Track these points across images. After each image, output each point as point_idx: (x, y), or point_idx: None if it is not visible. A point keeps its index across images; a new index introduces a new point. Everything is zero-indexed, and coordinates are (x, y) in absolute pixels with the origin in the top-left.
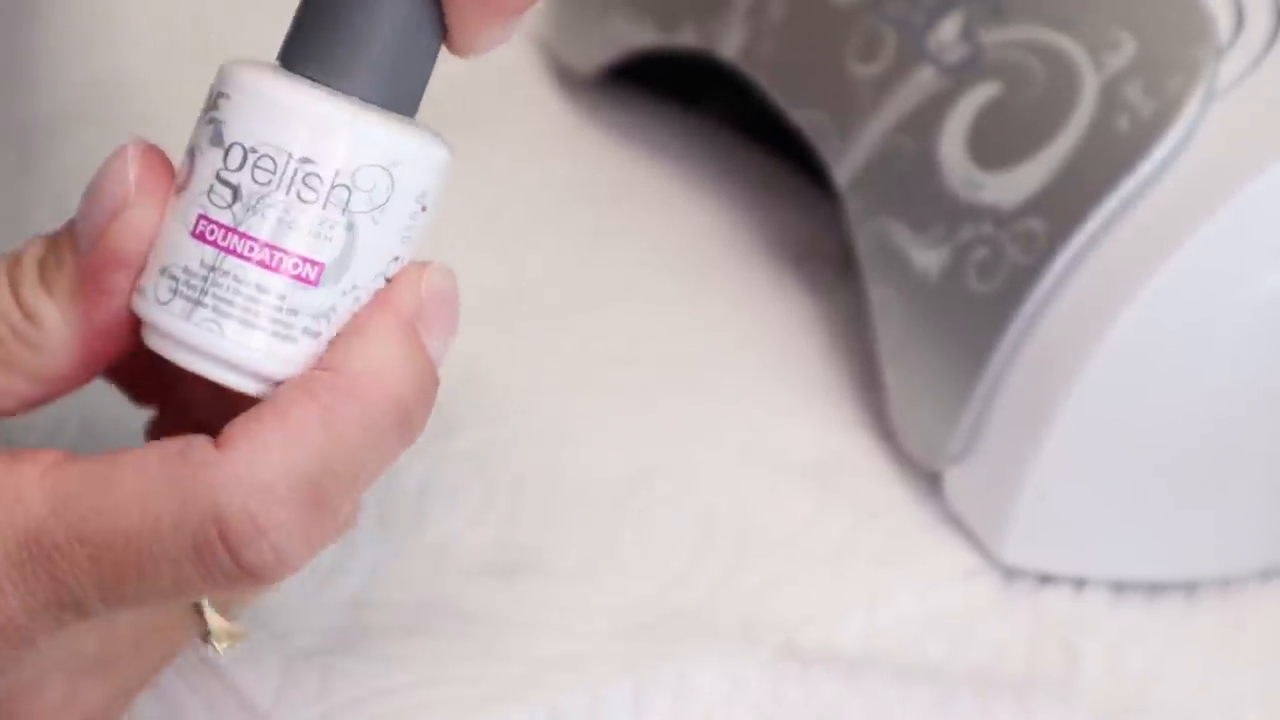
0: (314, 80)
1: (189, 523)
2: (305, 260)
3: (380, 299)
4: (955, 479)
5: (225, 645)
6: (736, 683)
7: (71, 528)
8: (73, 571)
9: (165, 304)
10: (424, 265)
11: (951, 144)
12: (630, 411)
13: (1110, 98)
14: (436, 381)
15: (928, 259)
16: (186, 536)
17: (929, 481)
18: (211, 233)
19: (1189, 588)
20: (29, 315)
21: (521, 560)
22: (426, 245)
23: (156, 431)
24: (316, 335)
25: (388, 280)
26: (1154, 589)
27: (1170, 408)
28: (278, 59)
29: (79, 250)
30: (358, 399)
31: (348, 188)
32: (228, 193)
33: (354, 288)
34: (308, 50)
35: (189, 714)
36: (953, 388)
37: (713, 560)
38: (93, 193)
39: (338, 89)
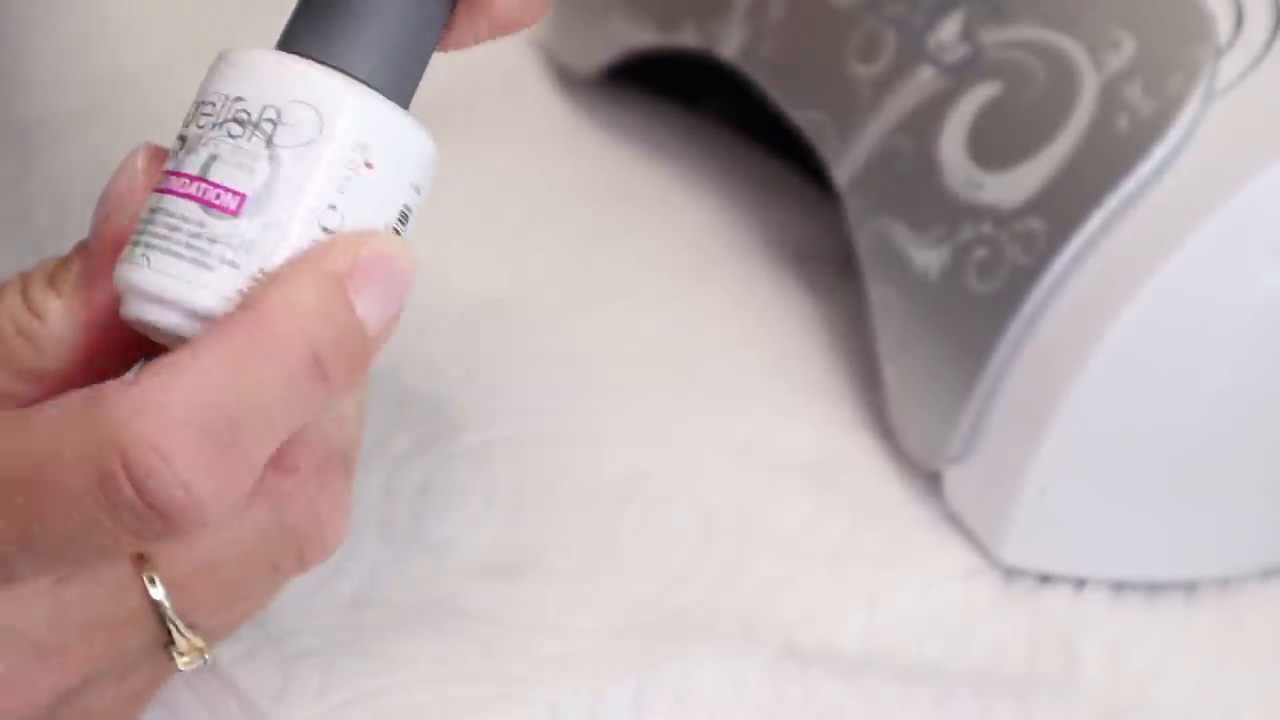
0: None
1: (91, 452)
2: (226, 190)
3: (314, 250)
4: (955, 479)
5: (186, 659)
6: (737, 683)
7: None
8: None
9: (120, 261)
10: (374, 232)
11: (951, 144)
12: (630, 411)
13: (1110, 97)
14: (363, 340)
15: (928, 259)
16: (90, 467)
17: (929, 481)
18: (161, 182)
19: (1189, 588)
20: (31, 308)
21: (522, 560)
22: (426, 243)
23: None
24: (236, 266)
25: (325, 230)
26: (1154, 589)
27: (1170, 408)
28: (276, 45)
29: (89, 245)
30: (269, 337)
31: (273, 121)
32: (179, 144)
33: (276, 223)
34: (300, 36)
35: (189, 714)
36: (953, 387)
37: (713, 560)
38: (105, 194)
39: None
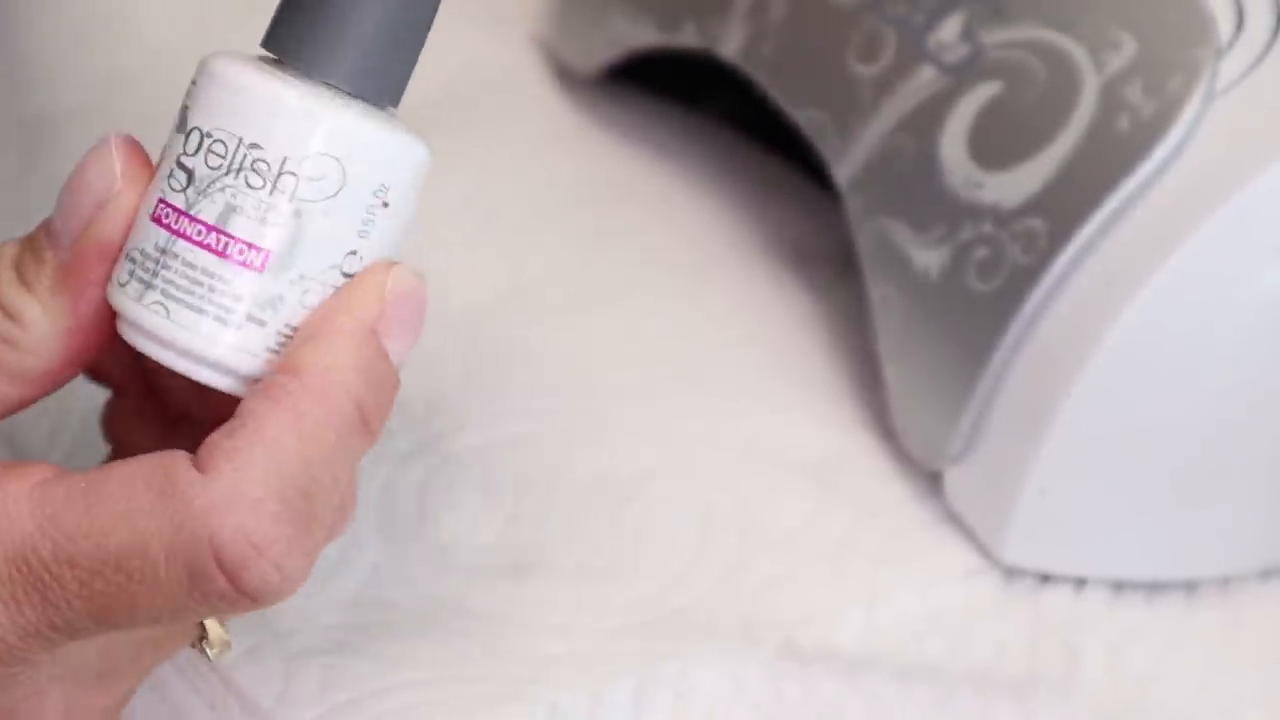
0: (289, 65)
1: (182, 549)
2: (250, 246)
3: (341, 299)
4: (955, 478)
5: (216, 652)
6: (737, 681)
7: (59, 548)
8: (64, 596)
9: (123, 286)
10: (390, 266)
11: (952, 144)
12: (630, 410)
13: (1111, 98)
14: (396, 383)
15: (928, 258)
16: (180, 562)
17: (929, 481)
18: (167, 216)
19: (1189, 587)
20: (9, 313)
21: (522, 560)
22: (426, 242)
23: (122, 417)
24: (263, 324)
25: (346, 275)
26: (1154, 588)
27: (1170, 407)
28: (261, 43)
29: (59, 244)
30: (322, 401)
31: (295, 175)
32: (183, 176)
33: (302, 278)
34: (285, 35)
35: (191, 714)
36: (953, 387)
37: (713, 559)
38: (74, 185)
39: (312, 77)
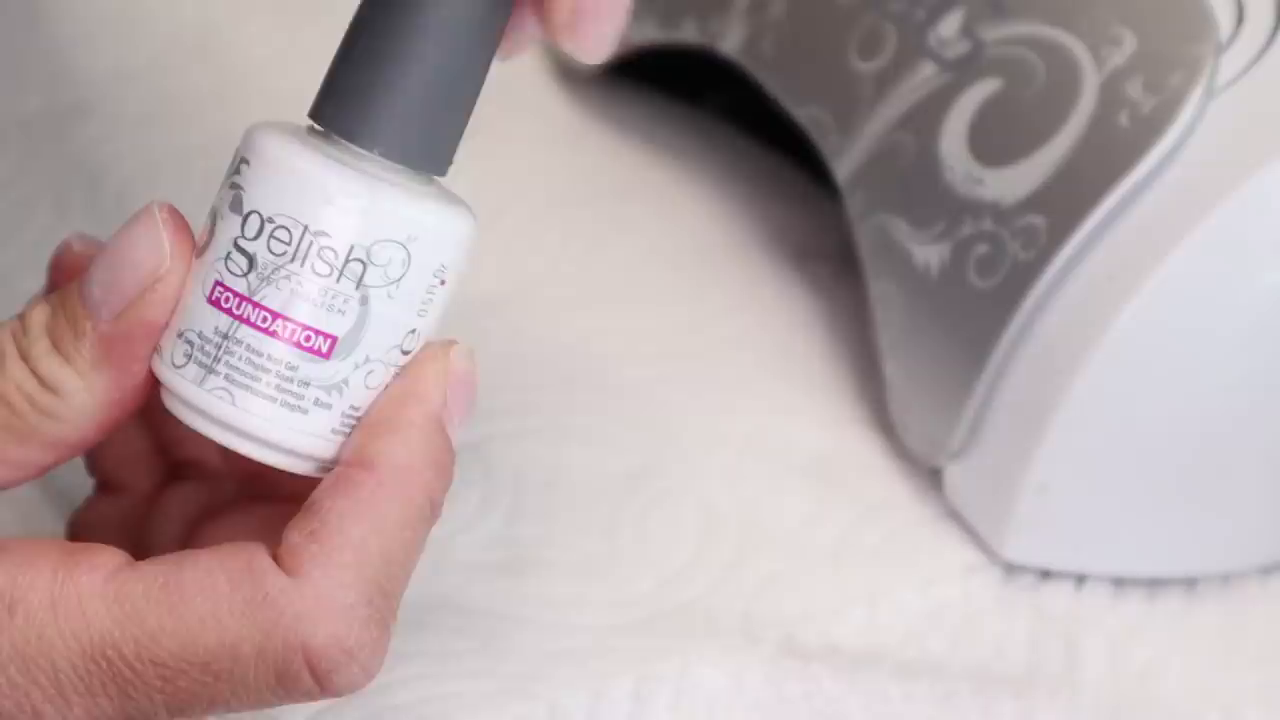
0: (339, 139)
1: (272, 654)
2: (317, 333)
3: (408, 387)
4: (956, 475)
5: None
6: (737, 679)
7: (142, 646)
8: (145, 690)
9: (180, 368)
10: (448, 347)
11: (952, 140)
12: (631, 407)
13: (1111, 94)
14: (455, 464)
15: (928, 255)
16: (269, 667)
17: (929, 478)
18: (226, 300)
19: (1189, 584)
20: (48, 385)
21: (522, 556)
22: None
23: (114, 459)
24: (329, 407)
25: (405, 353)
26: (1154, 585)
27: (1171, 404)
28: (309, 114)
29: (99, 317)
30: (400, 498)
31: (363, 262)
32: (244, 261)
33: (367, 360)
34: (336, 106)
35: None
36: (953, 384)
37: (713, 556)
38: (120, 260)
39: (362, 148)
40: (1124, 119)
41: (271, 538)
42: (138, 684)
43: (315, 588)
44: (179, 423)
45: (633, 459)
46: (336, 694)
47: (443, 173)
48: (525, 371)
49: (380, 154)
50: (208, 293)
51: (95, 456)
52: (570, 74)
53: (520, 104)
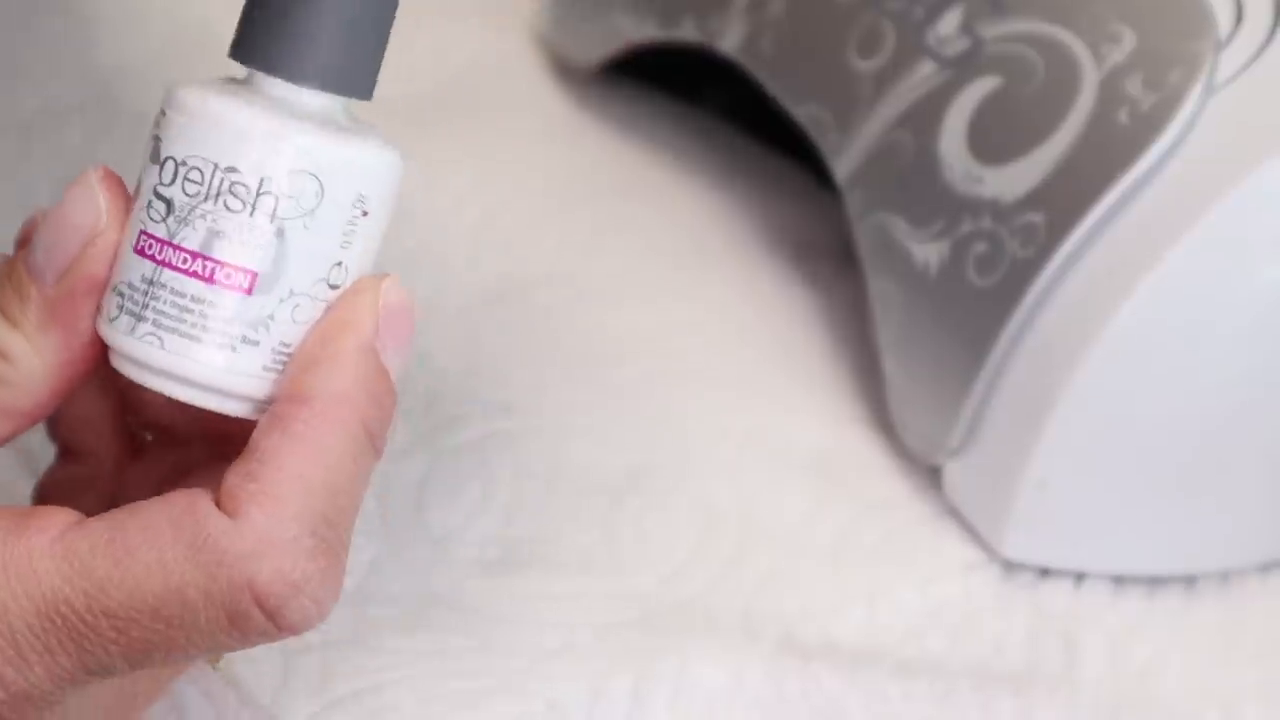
0: (257, 70)
1: (219, 595)
2: (237, 269)
3: (337, 319)
4: (955, 473)
5: (218, 663)
6: (736, 676)
7: (92, 599)
8: (100, 642)
9: (114, 320)
10: (379, 281)
11: (951, 138)
12: (630, 404)
13: (1110, 91)
14: (395, 397)
15: (927, 253)
16: (218, 608)
17: (929, 475)
18: (150, 247)
19: (1188, 582)
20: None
21: (522, 553)
22: (424, 238)
23: (75, 423)
24: (257, 344)
25: (333, 287)
26: (1154, 583)
27: (1170, 402)
28: (229, 52)
29: (43, 280)
30: (336, 428)
31: (274, 195)
32: (162, 206)
33: (291, 294)
34: (250, 37)
35: (190, 708)
36: (952, 382)
37: (713, 554)
38: (58, 222)
39: (279, 77)
40: (1123, 116)
41: None
42: (92, 637)
43: (255, 525)
44: (137, 385)
45: (632, 456)
46: (292, 630)
47: (367, 96)
48: (524, 368)
49: (297, 82)
50: (134, 243)
51: (52, 422)
52: (569, 72)
53: (519, 102)
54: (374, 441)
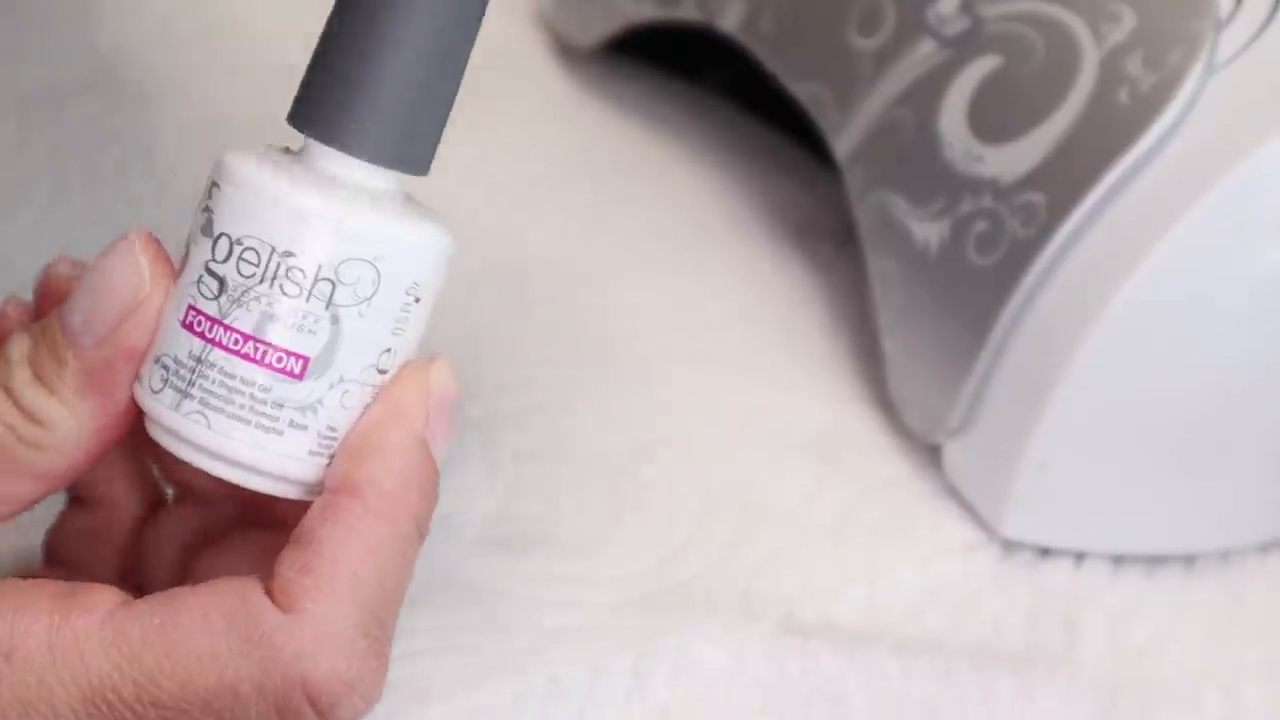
0: (317, 142)
1: (272, 691)
2: (289, 354)
3: (388, 409)
4: (955, 452)
5: None
6: (737, 656)
7: (141, 688)
8: None
9: (157, 393)
10: (428, 365)
11: (952, 117)
12: (631, 385)
13: (1110, 71)
14: (438, 484)
15: (928, 232)
16: (269, 703)
17: (929, 455)
18: (199, 324)
19: (1188, 561)
20: (32, 417)
21: (523, 533)
22: None
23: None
24: (304, 428)
25: (381, 371)
26: (1153, 562)
27: (1170, 381)
28: (287, 118)
29: (81, 345)
30: (388, 524)
31: (331, 281)
32: (214, 284)
33: (341, 380)
34: (310, 106)
35: None
36: (953, 361)
37: (713, 533)
38: (100, 287)
39: (337, 149)
40: (1123, 96)
41: (270, 566)
42: None
43: (312, 623)
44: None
45: (632, 436)
46: None
47: (423, 172)
48: (525, 348)
49: (356, 155)
50: (181, 317)
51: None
52: (570, 51)
53: (520, 80)
54: (420, 530)
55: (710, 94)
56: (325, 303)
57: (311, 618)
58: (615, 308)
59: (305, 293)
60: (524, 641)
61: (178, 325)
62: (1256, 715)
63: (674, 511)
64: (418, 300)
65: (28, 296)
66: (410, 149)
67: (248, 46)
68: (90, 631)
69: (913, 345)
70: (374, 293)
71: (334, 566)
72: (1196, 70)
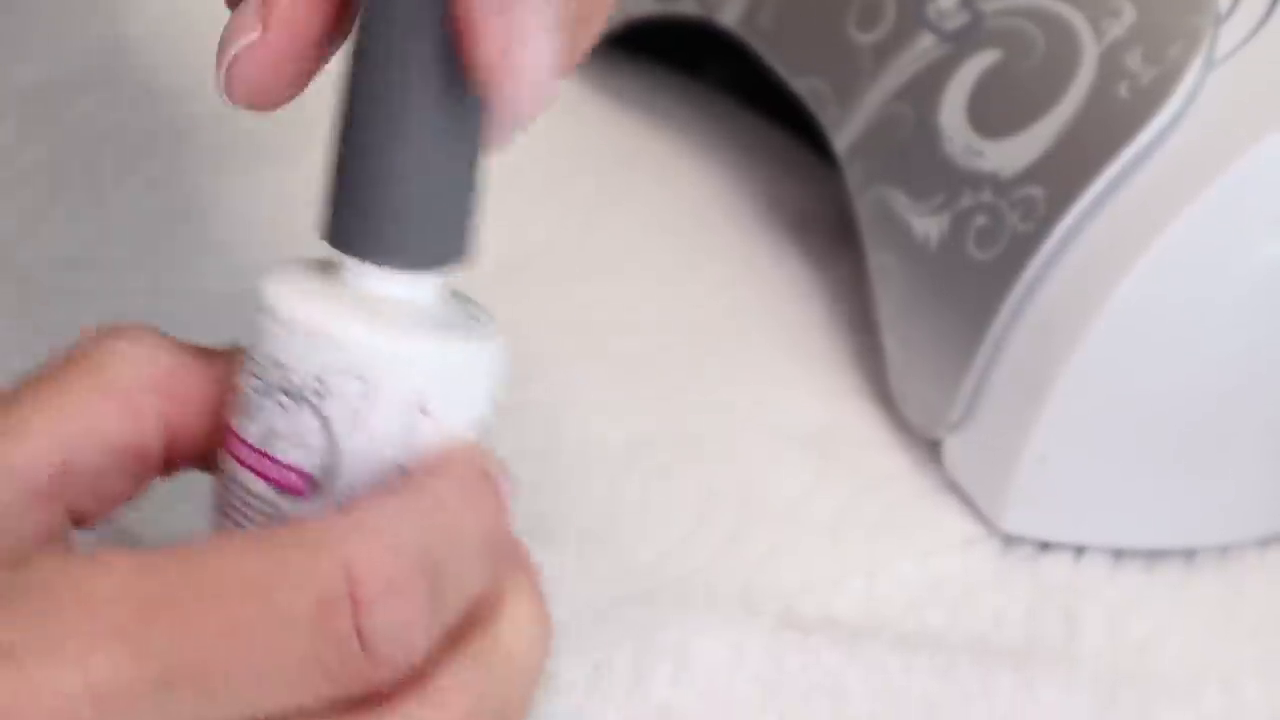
0: (343, 253)
1: (319, 570)
2: (289, 468)
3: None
4: (955, 447)
5: None
6: (737, 651)
7: (170, 588)
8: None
9: (214, 526)
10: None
11: (951, 111)
12: (631, 379)
13: (1110, 65)
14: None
15: (927, 226)
16: (312, 588)
17: (929, 449)
18: (229, 440)
19: (1188, 555)
20: None
21: (521, 528)
22: None
23: None
24: None
25: None
26: (1153, 557)
27: (1170, 376)
28: (323, 231)
29: None
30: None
31: (319, 393)
32: (238, 400)
33: (347, 499)
34: (331, 218)
35: None
36: (952, 356)
37: (713, 528)
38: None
39: (361, 258)
40: (1123, 90)
41: None
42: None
43: (365, 514)
44: None
45: (632, 430)
46: (372, 653)
47: (459, 263)
48: (524, 342)
49: (379, 262)
50: (225, 439)
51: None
52: None
53: None
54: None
55: (710, 89)
56: (317, 416)
57: (362, 510)
58: (614, 301)
59: (297, 405)
60: None
61: (222, 447)
62: (1256, 709)
63: (673, 506)
64: (424, 411)
65: (25, 296)
66: (436, 246)
67: None
68: (121, 568)
69: (912, 340)
70: (365, 407)
71: (388, 493)
72: (1196, 65)
